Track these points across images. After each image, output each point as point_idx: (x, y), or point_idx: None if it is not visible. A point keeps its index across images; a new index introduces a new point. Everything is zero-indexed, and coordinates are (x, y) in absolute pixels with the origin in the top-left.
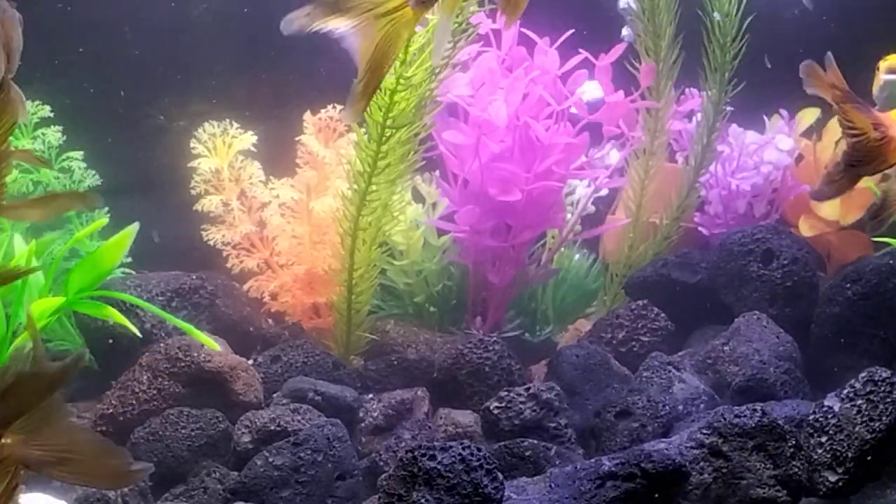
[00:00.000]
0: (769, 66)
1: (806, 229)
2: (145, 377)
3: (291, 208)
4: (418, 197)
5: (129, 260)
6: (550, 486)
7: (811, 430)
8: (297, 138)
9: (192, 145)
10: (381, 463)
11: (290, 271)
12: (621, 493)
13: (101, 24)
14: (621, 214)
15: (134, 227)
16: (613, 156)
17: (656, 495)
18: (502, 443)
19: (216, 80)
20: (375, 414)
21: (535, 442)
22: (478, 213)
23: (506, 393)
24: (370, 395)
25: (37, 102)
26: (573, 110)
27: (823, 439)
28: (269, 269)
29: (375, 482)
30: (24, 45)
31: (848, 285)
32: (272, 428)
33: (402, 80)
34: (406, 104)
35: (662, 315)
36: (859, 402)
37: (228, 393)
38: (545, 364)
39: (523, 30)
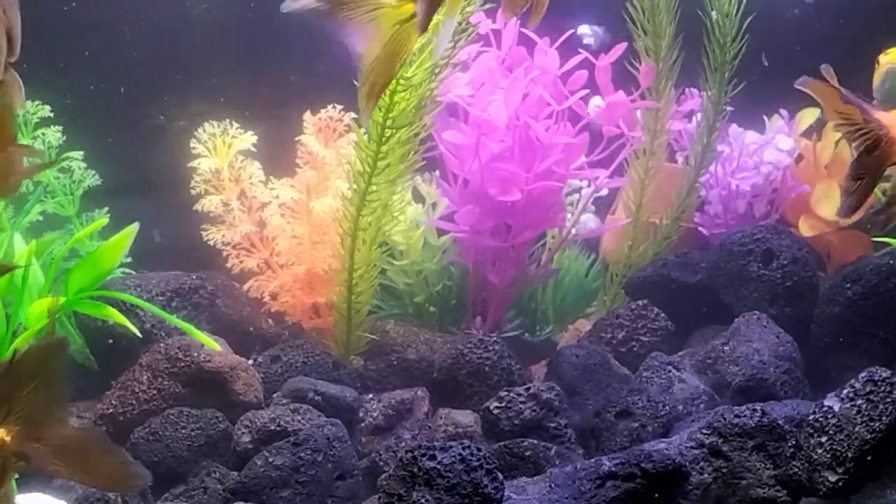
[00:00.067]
0: (766, 64)
1: (806, 229)
2: (145, 377)
3: (291, 208)
4: (418, 197)
5: (129, 260)
6: (550, 486)
7: (811, 430)
8: (297, 138)
9: (192, 145)
10: (381, 463)
11: (290, 271)
12: (621, 493)
13: (101, 24)
14: (621, 214)
15: (134, 227)
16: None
17: (656, 495)
18: (502, 443)
19: (216, 80)
20: (375, 414)
21: (535, 442)
22: (478, 213)
23: (506, 393)
24: (370, 395)
25: (37, 102)
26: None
27: (823, 439)
28: (269, 269)
29: (375, 482)
30: (25, 46)
31: (848, 285)
32: (272, 428)
33: (402, 81)
34: (406, 104)
35: (662, 315)
36: (859, 402)
37: (228, 393)
38: (545, 364)
39: (523, 30)
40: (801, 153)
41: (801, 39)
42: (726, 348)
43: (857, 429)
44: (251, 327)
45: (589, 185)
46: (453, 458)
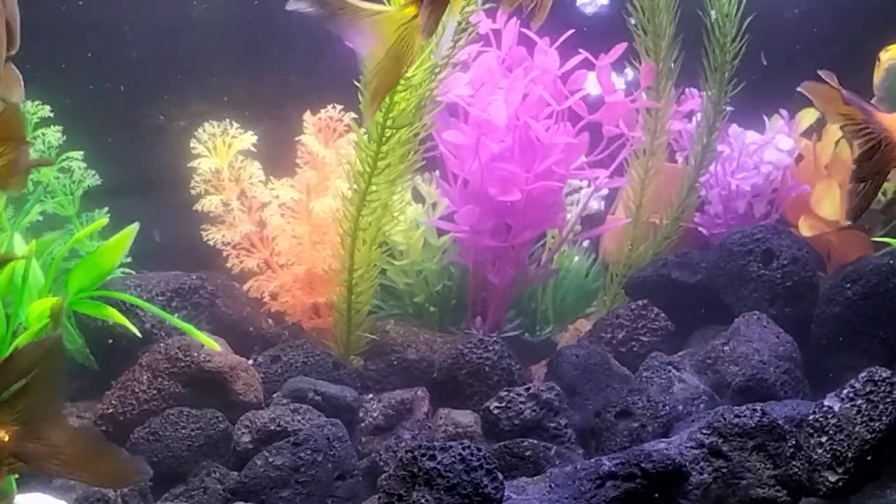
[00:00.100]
0: (765, 63)
1: (806, 229)
2: (145, 377)
3: (291, 208)
4: (418, 197)
5: (129, 260)
6: (550, 486)
7: (811, 430)
8: (297, 138)
9: (192, 145)
10: (381, 463)
11: (290, 271)
12: (621, 493)
13: (101, 24)
14: (621, 214)
15: (134, 227)
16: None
17: (656, 495)
18: (502, 443)
19: (216, 80)
20: (375, 414)
21: (535, 442)
22: (478, 213)
23: (506, 393)
24: (370, 395)
25: (37, 102)
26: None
27: (823, 439)
28: (269, 269)
29: (375, 482)
30: (25, 46)
31: (848, 285)
32: (272, 428)
33: (402, 81)
34: (406, 104)
35: (662, 315)
36: (859, 402)
37: (228, 393)
38: (545, 364)
39: (523, 30)
40: (801, 153)
41: (801, 39)
42: (726, 348)
43: (857, 429)
44: (251, 327)
45: (589, 185)
46: (453, 458)
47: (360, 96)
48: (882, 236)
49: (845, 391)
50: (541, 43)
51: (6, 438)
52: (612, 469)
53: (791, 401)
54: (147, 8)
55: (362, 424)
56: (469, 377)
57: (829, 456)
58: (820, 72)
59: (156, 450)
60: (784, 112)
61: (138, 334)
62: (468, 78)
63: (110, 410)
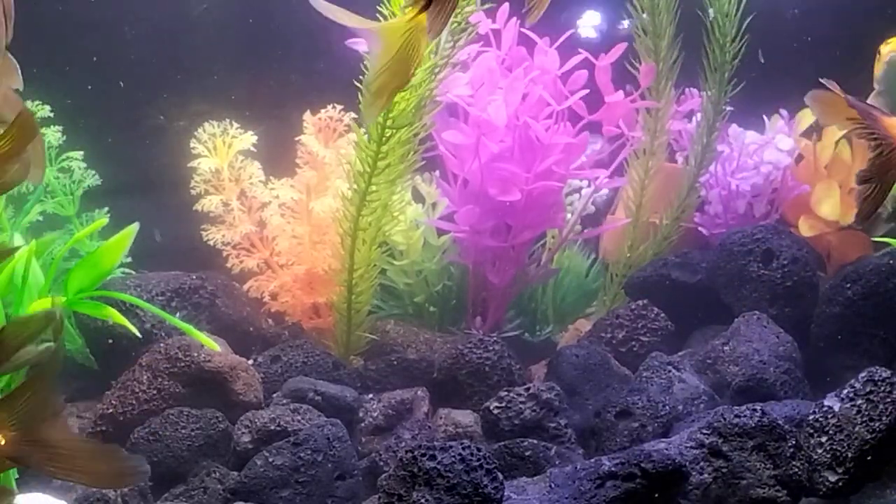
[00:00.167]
0: (762, 61)
1: (806, 229)
2: (145, 377)
3: (291, 208)
4: (418, 197)
5: (129, 260)
6: (550, 486)
7: (811, 430)
8: (297, 138)
9: (192, 145)
10: (381, 463)
11: (290, 271)
12: (621, 493)
13: (101, 24)
14: (621, 214)
15: (134, 227)
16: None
17: (656, 495)
18: (502, 443)
19: (216, 80)
20: (375, 414)
21: (535, 442)
22: (478, 213)
23: (506, 393)
24: (370, 395)
25: (37, 102)
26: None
27: (823, 439)
28: (269, 269)
29: (375, 482)
30: (25, 46)
31: (848, 285)
32: (272, 428)
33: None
34: (406, 104)
35: (662, 315)
36: (859, 402)
37: (228, 393)
38: (545, 364)
39: (523, 30)
40: (801, 153)
41: (801, 39)
42: (726, 348)
43: (857, 429)
44: (251, 327)
45: (589, 185)
46: (453, 458)
47: (360, 97)
48: (882, 236)
49: (845, 391)
50: (541, 43)
51: (3, 441)
52: (612, 469)
53: (791, 401)
54: (147, 8)
55: (362, 424)
56: (469, 377)
57: (829, 456)
58: (822, 80)
59: (156, 450)
60: (784, 112)
61: (138, 334)
62: (468, 78)
63: (110, 410)
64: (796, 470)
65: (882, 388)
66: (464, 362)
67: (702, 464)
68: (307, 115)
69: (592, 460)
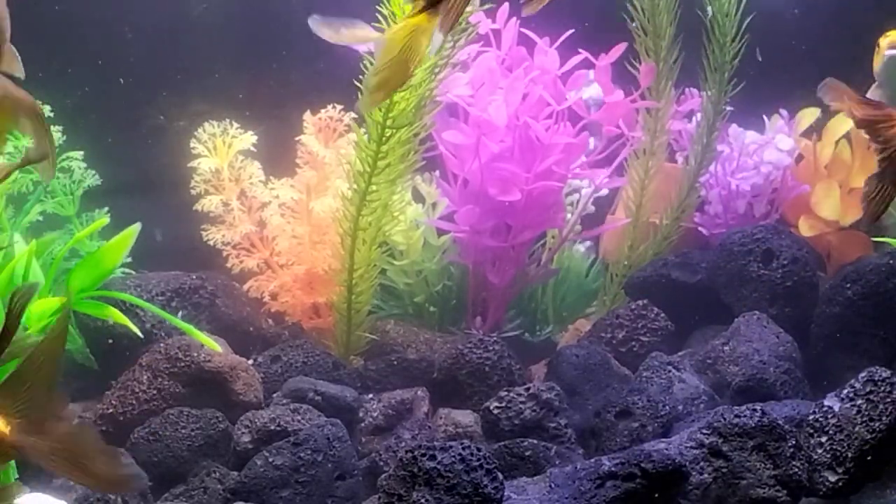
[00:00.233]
0: (760, 59)
1: (806, 229)
2: (145, 377)
3: (291, 208)
4: (418, 197)
5: (129, 260)
6: (550, 486)
7: (811, 430)
8: (297, 138)
9: (192, 145)
10: (381, 463)
11: (290, 271)
12: (621, 493)
13: (101, 24)
14: (621, 214)
15: (136, 228)
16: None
17: (656, 495)
18: (502, 443)
19: (216, 80)
20: (375, 414)
21: (535, 442)
22: (478, 213)
23: (506, 393)
24: (370, 395)
25: (37, 102)
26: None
27: (823, 439)
28: (269, 269)
29: (375, 482)
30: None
31: (848, 285)
32: (272, 428)
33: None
34: (406, 104)
35: (662, 315)
36: (859, 402)
37: (228, 393)
38: (545, 364)
39: (523, 30)
40: (801, 153)
41: (801, 39)
42: (726, 348)
43: (857, 429)
44: (251, 327)
45: (589, 186)
46: (453, 458)
47: (358, 94)
48: (882, 236)
49: (845, 391)
50: (541, 43)
51: (7, 430)
52: (612, 469)
53: (791, 401)
54: (147, 8)
55: (362, 424)
56: (469, 377)
57: (829, 456)
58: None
59: (156, 450)
60: (784, 112)
61: (139, 334)
62: (468, 78)
63: (110, 410)
64: (796, 470)
65: (882, 388)
66: (464, 362)
67: (702, 464)
68: (307, 115)
69: (592, 460)
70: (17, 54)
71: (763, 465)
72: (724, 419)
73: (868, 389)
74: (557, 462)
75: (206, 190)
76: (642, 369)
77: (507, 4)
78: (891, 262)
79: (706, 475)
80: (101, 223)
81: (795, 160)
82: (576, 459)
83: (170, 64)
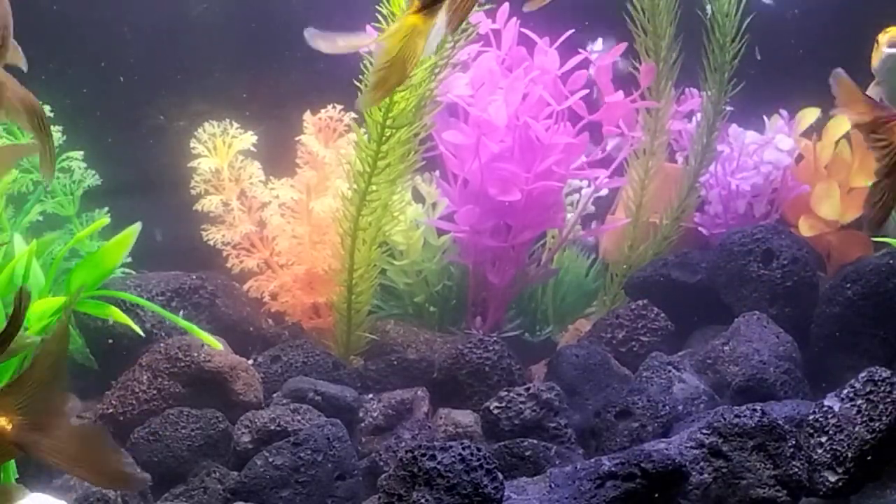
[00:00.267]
0: (759, 57)
1: (806, 229)
2: (145, 377)
3: (291, 208)
4: (418, 197)
5: (129, 260)
6: (550, 486)
7: (811, 430)
8: (297, 138)
9: (192, 145)
10: (381, 463)
11: (290, 271)
12: (621, 493)
13: (100, 24)
14: (621, 214)
15: (136, 227)
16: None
17: (656, 495)
18: (502, 443)
19: (216, 80)
20: (375, 414)
21: (535, 442)
22: (478, 213)
23: (506, 393)
24: (370, 395)
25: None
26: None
27: (823, 439)
28: (269, 269)
29: (375, 482)
30: (25, 46)
31: (848, 285)
32: (272, 428)
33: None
34: (406, 104)
35: (662, 315)
36: (859, 402)
37: (228, 393)
38: (545, 364)
39: (523, 30)
40: (801, 153)
41: (801, 39)
42: (726, 348)
43: (857, 429)
44: (251, 327)
45: (589, 186)
46: (453, 458)
47: (359, 94)
48: (882, 236)
49: (845, 391)
50: (541, 43)
51: (9, 427)
52: (612, 469)
53: (791, 401)
54: (147, 8)
55: (362, 424)
56: (469, 377)
57: (829, 456)
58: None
59: (156, 450)
60: (784, 112)
61: (141, 333)
62: (468, 78)
63: (110, 410)
64: (796, 470)
65: (882, 388)
66: (464, 362)
67: (702, 464)
68: (307, 115)
69: (592, 460)
70: (19, 47)
71: (763, 465)
72: (724, 419)
73: (868, 389)
74: (557, 462)
75: (206, 190)
76: (642, 369)
77: (507, 4)
78: (891, 262)
79: (706, 475)
80: (101, 223)
81: (795, 160)
82: (576, 459)
83: (170, 64)
